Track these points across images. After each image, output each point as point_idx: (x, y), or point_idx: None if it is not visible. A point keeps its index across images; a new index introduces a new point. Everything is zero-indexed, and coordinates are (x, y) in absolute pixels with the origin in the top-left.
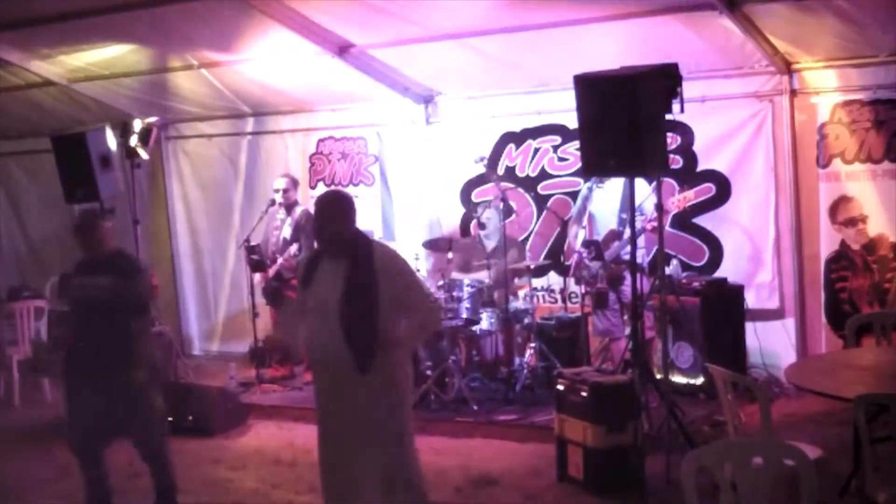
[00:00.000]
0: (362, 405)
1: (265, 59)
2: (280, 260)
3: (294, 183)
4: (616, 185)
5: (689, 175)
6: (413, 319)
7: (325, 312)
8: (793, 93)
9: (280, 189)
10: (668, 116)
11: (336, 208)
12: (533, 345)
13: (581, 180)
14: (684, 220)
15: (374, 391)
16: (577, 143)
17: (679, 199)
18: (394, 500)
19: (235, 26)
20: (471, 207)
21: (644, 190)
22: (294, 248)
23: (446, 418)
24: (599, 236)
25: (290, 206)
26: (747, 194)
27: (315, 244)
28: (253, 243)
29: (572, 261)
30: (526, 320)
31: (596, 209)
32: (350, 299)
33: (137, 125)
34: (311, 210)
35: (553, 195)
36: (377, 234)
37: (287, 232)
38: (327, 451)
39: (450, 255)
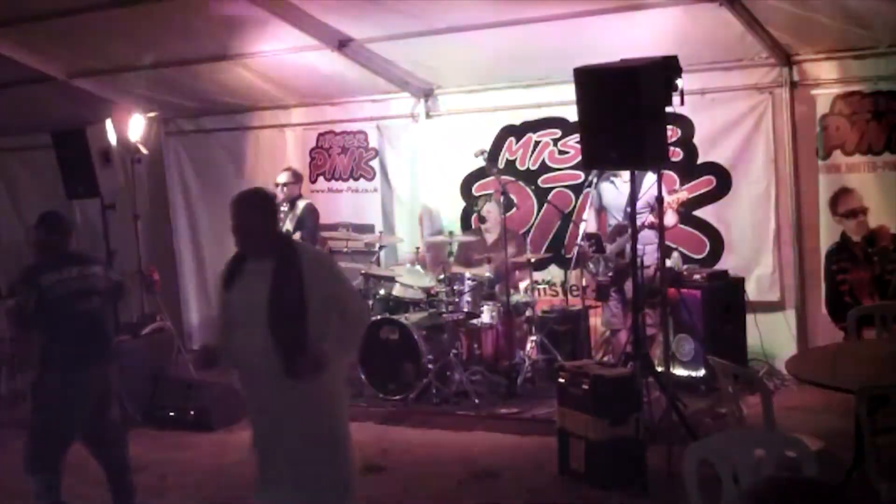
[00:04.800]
0: (294, 412)
1: (265, 53)
2: None
3: (297, 177)
4: (627, 178)
5: (690, 168)
6: (341, 326)
7: (250, 317)
8: (793, 85)
9: (282, 183)
10: (668, 109)
11: (257, 206)
12: (534, 338)
13: (581, 173)
14: (685, 213)
15: (306, 397)
16: (577, 136)
17: (671, 200)
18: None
19: (235, 21)
20: (471, 201)
21: (651, 182)
22: (297, 237)
23: (447, 412)
24: (610, 230)
25: (292, 200)
26: (748, 186)
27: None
28: None
29: (574, 253)
30: (527, 313)
31: (608, 203)
32: (277, 303)
33: (138, 120)
34: (314, 204)
35: (554, 188)
36: (378, 228)
37: (289, 225)
38: (259, 460)
39: (450, 248)
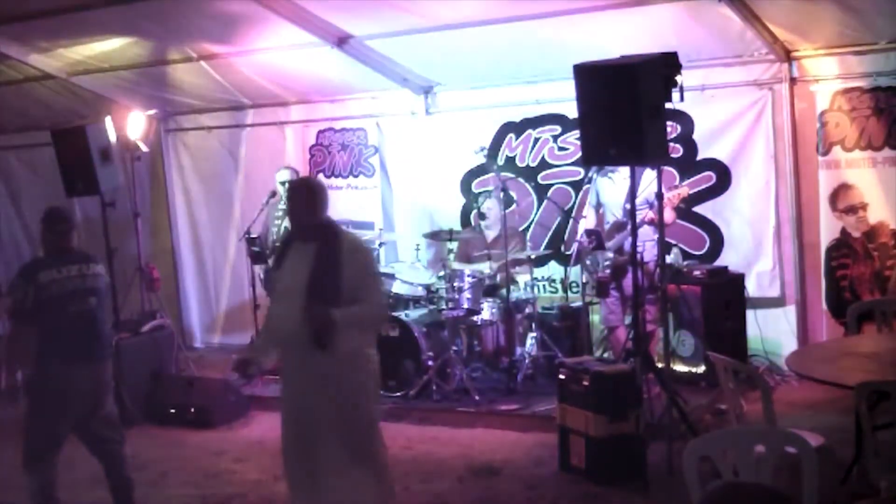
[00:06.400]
0: (323, 384)
1: (264, 50)
2: None
3: (297, 175)
4: (625, 175)
5: (690, 164)
6: (356, 308)
7: (291, 294)
8: (792, 80)
9: (283, 181)
10: (668, 105)
11: (309, 193)
12: (534, 334)
13: (581, 170)
14: (685, 209)
15: (334, 370)
16: (576, 133)
17: (672, 196)
18: (354, 479)
19: (234, 18)
20: (471, 198)
21: (650, 178)
22: None
23: (448, 408)
24: (609, 226)
25: None
26: (747, 183)
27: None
28: (253, 235)
29: (574, 249)
30: (527, 310)
31: (606, 199)
32: (314, 282)
33: (137, 118)
34: None
35: (553, 185)
36: (377, 225)
37: (287, 222)
38: (289, 433)
39: (450, 245)
